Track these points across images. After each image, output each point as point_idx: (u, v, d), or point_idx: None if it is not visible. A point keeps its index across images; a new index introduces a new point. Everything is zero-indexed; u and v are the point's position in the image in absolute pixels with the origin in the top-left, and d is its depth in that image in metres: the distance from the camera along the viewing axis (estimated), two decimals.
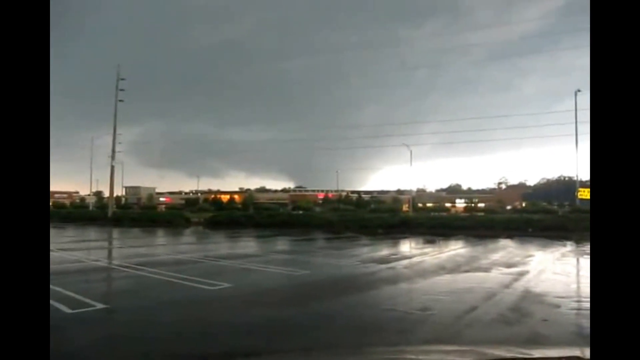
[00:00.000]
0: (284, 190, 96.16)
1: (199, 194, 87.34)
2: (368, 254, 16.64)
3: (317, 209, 50.43)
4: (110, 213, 42.88)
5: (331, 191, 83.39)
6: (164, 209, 56.89)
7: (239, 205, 62.69)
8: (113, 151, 44.55)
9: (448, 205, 62.21)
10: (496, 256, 15.87)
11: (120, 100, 44.11)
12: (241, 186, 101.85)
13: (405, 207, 55.99)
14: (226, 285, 9.33)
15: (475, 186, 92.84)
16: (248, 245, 21.74)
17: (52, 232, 26.04)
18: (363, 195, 77.85)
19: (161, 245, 21.78)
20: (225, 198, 75.66)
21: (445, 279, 10.76)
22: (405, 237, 25.31)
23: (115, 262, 14.19)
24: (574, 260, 15.41)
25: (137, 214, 44.49)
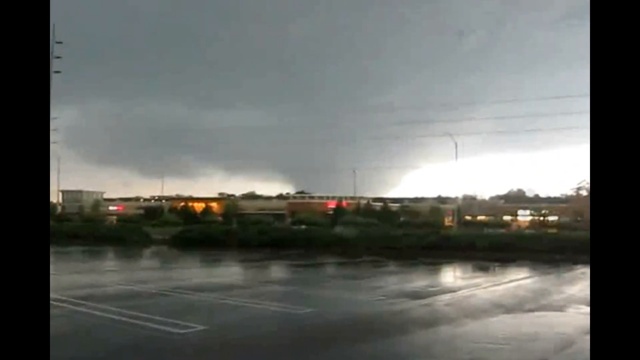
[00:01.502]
0: (280, 197, 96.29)
1: (163, 201, 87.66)
2: (396, 286, 16.62)
3: (327, 222, 50.40)
4: None
5: (346, 198, 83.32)
6: (115, 222, 57.18)
7: (219, 217, 62.84)
8: None
9: (507, 218, 62.04)
10: (574, 289, 15.79)
11: (56, 72, 44.47)
12: (221, 191, 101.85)
13: (448, 221, 55.92)
14: (198, 327, 9.32)
15: (545, 192, 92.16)
16: (230, 272, 21.74)
17: None
18: (390, 204, 77.54)
19: (111, 272, 21.75)
20: (199, 207, 75.89)
21: (503, 320, 10.72)
22: (447, 263, 25.20)
23: None
24: None
25: (79, 228, 44.71)
